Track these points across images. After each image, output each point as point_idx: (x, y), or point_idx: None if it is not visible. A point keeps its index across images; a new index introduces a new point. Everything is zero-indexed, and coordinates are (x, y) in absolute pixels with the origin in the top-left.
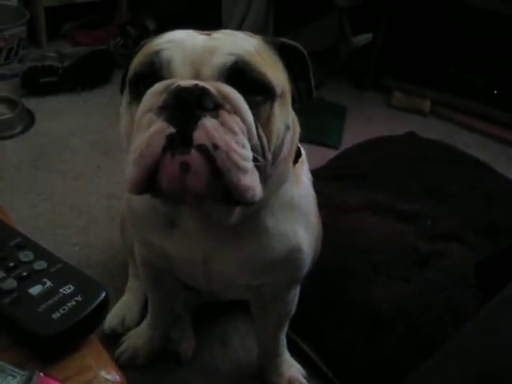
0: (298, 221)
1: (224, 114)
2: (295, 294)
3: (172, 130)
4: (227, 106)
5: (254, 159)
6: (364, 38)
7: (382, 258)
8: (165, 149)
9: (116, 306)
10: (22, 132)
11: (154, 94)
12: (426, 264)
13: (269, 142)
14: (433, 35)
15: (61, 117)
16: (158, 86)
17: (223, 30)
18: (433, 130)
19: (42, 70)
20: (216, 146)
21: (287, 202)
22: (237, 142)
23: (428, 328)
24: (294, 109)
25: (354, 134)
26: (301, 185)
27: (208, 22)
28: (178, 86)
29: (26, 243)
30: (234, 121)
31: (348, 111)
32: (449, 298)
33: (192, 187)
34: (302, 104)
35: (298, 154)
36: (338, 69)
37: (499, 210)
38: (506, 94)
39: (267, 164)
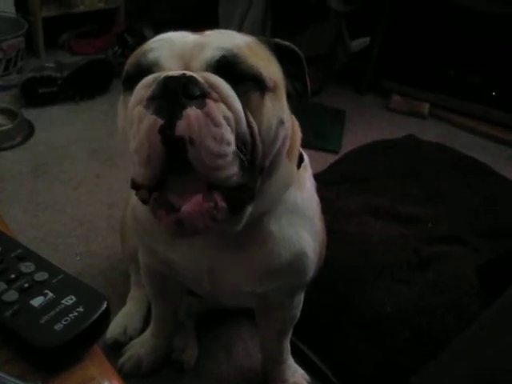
0: (303, 225)
1: (210, 103)
2: (300, 299)
3: (161, 122)
4: (214, 95)
5: (241, 150)
6: (362, 42)
7: (384, 262)
8: (163, 141)
9: (118, 316)
10: (22, 142)
11: (144, 86)
12: (428, 267)
13: (260, 131)
14: (430, 38)
15: (60, 126)
16: (148, 79)
17: (217, 30)
18: (432, 132)
19: (40, 81)
20: (191, 141)
21: (290, 206)
22: (215, 138)
23: (431, 330)
24: (293, 110)
25: (354, 138)
26: (304, 189)
27: (205, 30)
28: (166, 75)
29: (27, 254)
30: (219, 110)
31: (347, 115)
32: (451, 300)
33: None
34: (301, 108)
35: (301, 160)
36: (336, 73)
37: (500, 211)
38: (505, 95)
39: (256, 155)
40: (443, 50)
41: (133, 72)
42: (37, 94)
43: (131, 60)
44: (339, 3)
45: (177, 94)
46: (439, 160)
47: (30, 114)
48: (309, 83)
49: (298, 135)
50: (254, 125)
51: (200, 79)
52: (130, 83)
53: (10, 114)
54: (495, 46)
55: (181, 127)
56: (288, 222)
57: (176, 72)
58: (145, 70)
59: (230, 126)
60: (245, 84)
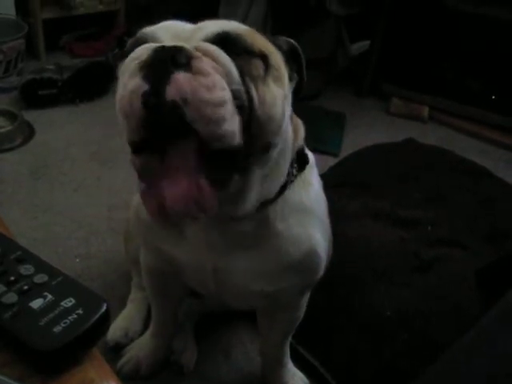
0: (312, 224)
1: (195, 62)
2: (306, 300)
3: (146, 87)
4: (199, 54)
5: (236, 98)
6: (362, 46)
7: (384, 265)
8: (144, 106)
9: (119, 318)
10: (22, 144)
11: (143, 48)
12: (428, 270)
13: (264, 104)
14: (430, 41)
15: (60, 128)
16: (146, 46)
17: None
18: (432, 136)
19: (40, 83)
20: (185, 101)
21: (297, 206)
22: (207, 87)
23: (431, 334)
24: (297, 107)
25: (354, 141)
26: (310, 189)
27: None
28: (161, 45)
29: (27, 256)
30: (205, 63)
31: (347, 119)
32: (451, 303)
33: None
34: (301, 111)
35: (306, 160)
36: (336, 77)
37: (499, 214)
38: (504, 99)
39: (257, 123)
40: (443, 53)
41: (131, 48)
42: (37, 95)
43: (130, 42)
44: (339, 7)
45: (165, 63)
46: (439, 163)
47: (29, 115)
48: (305, 77)
49: (301, 133)
50: (256, 97)
51: (189, 48)
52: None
53: (10, 116)
54: (494, 50)
55: (170, 92)
56: (296, 222)
57: (169, 43)
58: (142, 43)
59: (219, 74)
60: (247, 56)
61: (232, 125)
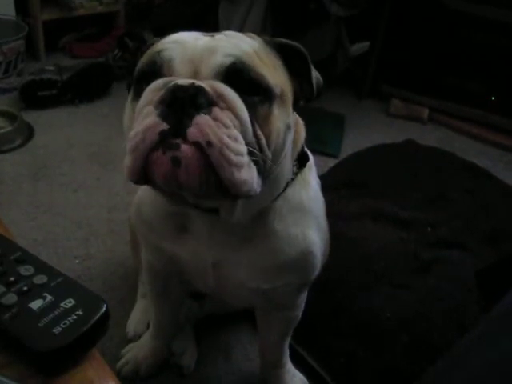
0: (309, 224)
1: (216, 111)
2: (303, 298)
3: (165, 126)
4: (221, 104)
5: (252, 153)
6: (361, 47)
7: (383, 266)
8: (157, 144)
9: (136, 312)
10: (22, 145)
11: (154, 89)
12: (428, 271)
13: (268, 140)
14: (430, 43)
15: (60, 129)
16: (158, 83)
17: (226, 32)
18: (431, 137)
19: (40, 84)
20: (209, 143)
21: (296, 205)
22: (229, 136)
23: (431, 336)
24: (298, 107)
25: (354, 142)
26: (309, 188)
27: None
28: (176, 83)
29: (26, 257)
30: (226, 116)
31: (347, 120)
32: (450, 305)
33: (185, 182)
34: (301, 112)
35: (306, 159)
36: (336, 78)
37: (499, 215)
38: (504, 100)
39: (266, 160)
40: (443, 54)
41: (147, 70)
42: (36, 96)
43: (145, 59)
44: (339, 8)
45: (184, 104)
46: (438, 165)
47: (29, 116)
48: (314, 82)
49: (302, 134)
50: (262, 137)
51: (208, 89)
52: (142, 82)
53: (10, 117)
54: (494, 51)
55: (193, 133)
56: (294, 221)
57: (185, 81)
58: (158, 68)
59: (237, 130)
60: (253, 97)
61: (249, 174)
